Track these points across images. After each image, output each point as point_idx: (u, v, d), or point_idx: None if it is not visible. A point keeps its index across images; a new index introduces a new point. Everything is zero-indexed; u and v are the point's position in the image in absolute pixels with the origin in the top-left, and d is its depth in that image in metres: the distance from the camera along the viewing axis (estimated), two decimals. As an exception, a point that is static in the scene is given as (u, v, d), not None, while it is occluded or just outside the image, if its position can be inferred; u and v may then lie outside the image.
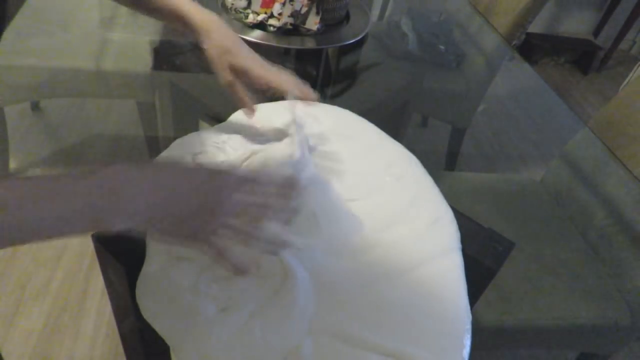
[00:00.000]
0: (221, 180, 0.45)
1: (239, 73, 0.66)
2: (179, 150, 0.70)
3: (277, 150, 0.67)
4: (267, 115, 0.75)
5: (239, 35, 0.68)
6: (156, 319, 0.52)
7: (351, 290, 0.55)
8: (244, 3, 1.12)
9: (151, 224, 0.41)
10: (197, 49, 0.69)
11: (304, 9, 1.11)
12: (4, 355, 1.12)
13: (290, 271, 0.53)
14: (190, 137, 0.73)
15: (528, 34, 2.92)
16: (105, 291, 0.76)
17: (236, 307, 0.51)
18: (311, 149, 0.69)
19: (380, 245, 0.60)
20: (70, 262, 1.34)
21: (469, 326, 0.54)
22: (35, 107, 1.78)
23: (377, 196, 0.67)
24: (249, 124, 0.74)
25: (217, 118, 0.79)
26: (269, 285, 0.53)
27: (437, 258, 0.60)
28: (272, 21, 1.12)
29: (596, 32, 3.08)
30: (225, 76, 0.66)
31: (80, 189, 0.36)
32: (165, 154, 0.70)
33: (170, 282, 0.54)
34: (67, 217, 0.35)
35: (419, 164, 0.75)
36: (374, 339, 0.50)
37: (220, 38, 0.65)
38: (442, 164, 1.74)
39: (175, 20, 0.67)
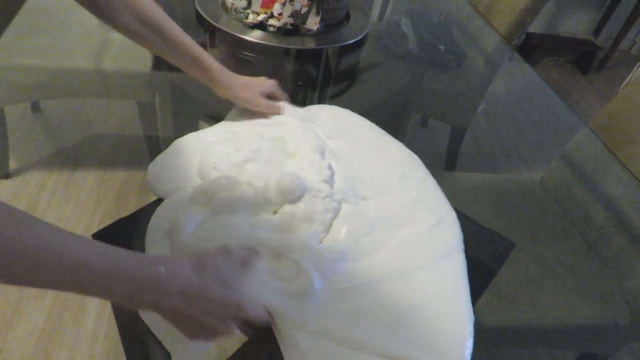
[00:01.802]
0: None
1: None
2: (179, 150, 0.70)
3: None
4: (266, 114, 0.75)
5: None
6: (154, 323, 0.52)
7: (354, 293, 0.54)
8: (244, 3, 1.12)
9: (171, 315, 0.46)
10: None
11: (304, 9, 1.11)
12: (4, 355, 1.12)
13: (308, 280, 0.52)
14: (190, 137, 0.73)
15: (528, 34, 2.92)
16: (105, 291, 0.76)
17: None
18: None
19: (385, 248, 0.60)
20: (70, 262, 1.34)
21: (471, 328, 0.53)
22: (35, 107, 1.78)
23: (386, 195, 0.67)
24: (250, 121, 0.75)
25: (217, 118, 0.79)
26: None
27: (441, 260, 0.59)
28: (272, 21, 1.12)
29: (596, 32, 3.08)
30: (263, 103, 0.76)
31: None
32: (163, 155, 0.70)
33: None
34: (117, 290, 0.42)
35: (421, 164, 0.75)
36: (377, 341, 0.50)
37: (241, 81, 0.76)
38: (442, 164, 1.73)
39: (192, 66, 0.74)
